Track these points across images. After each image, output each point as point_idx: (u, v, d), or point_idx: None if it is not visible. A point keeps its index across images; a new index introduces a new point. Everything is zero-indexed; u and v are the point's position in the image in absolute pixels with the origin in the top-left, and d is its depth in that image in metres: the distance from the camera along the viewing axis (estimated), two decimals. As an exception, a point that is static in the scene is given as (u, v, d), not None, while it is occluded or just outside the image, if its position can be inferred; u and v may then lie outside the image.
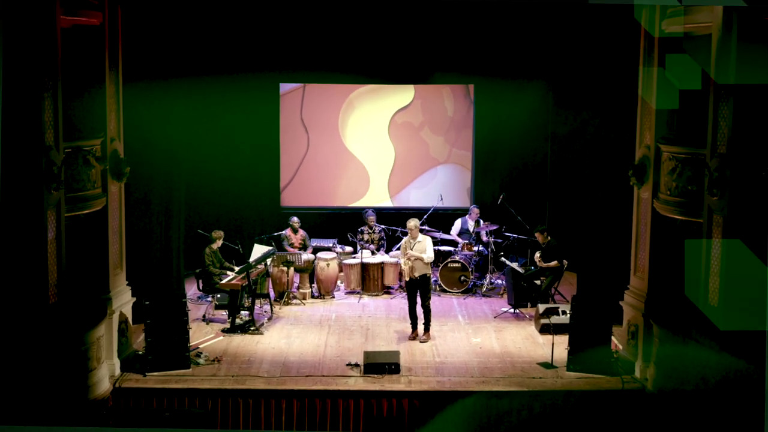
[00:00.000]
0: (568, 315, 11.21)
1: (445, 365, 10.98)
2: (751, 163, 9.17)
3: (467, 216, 14.68)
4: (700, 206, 9.72)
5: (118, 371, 10.61)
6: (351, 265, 14.12)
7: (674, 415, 9.72)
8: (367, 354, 10.80)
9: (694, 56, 9.95)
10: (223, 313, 12.75)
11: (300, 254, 13.63)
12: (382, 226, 14.63)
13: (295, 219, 14.13)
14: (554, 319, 11.74)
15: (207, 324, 12.54)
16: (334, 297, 14.00)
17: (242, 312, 12.46)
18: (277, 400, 10.15)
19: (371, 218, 14.56)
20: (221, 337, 11.95)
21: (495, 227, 14.28)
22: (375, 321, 12.79)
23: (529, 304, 13.15)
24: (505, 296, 13.79)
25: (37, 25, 9.06)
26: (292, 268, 13.62)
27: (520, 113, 15.12)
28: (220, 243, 13.05)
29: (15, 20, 8.89)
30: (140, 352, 10.92)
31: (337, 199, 15.99)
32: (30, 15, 8.99)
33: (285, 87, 15.65)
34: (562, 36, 12.82)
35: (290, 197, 15.91)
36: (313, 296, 13.99)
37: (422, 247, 11.74)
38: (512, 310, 13.13)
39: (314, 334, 12.16)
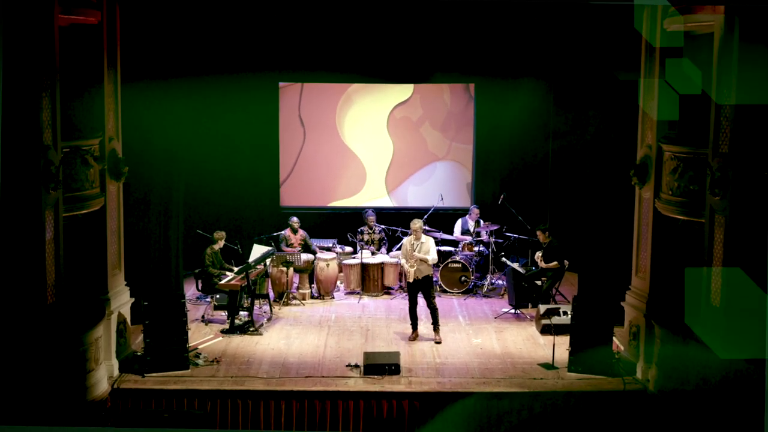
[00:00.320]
0: (569, 315, 11.18)
1: (445, 366, 10.94)
2: (754, 163, 9.12)
3: (467, 216, 14.64)
4: (702, 206, 9.69)
5: (116, 372, 10.58)
6: (351, 266, 14.07)
7: (675, 416, 9.69)
8: (367, 355, 10.76)
9: (696, 55, 9.92)
10: (222, 314, 12.71)
11: (299, 254, 13.59)
12: (382, 227, 14.60)
13: (295, 219, 14.08)
14: (555, 320, 11.72)
15: (206, 325, 12.51)
16: (333, 297, 13.96)
17: (241, 313, 12.43)
18: (277, 401, 10.12)
19: (371, 218, 14.52)
20: (220, 338, 11.91)
21: (496, 227, 14.24)
22: (375, 322, 12.75)
23: (530, 305, 13.12)
24: (506, 297, 13.76)
25: (34, 23, 9.02)
26: (291, 269, 13.58)
27: (521, 113, 15.09)
28: (221, 244, 13.01)
29: (12, 19, 8.85)
30: (139, 353, 10.90)
31: (334, 195, 15.94)
32: (28, 13, 8.95)
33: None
34: (563, 36, 12.79)
35: (289, 196, 15.87)
36: (312, 297, 13.95)
37: (426, 248, 11.69)
38: (513, 311, 13.10)
39: (314, 334, 12.12)
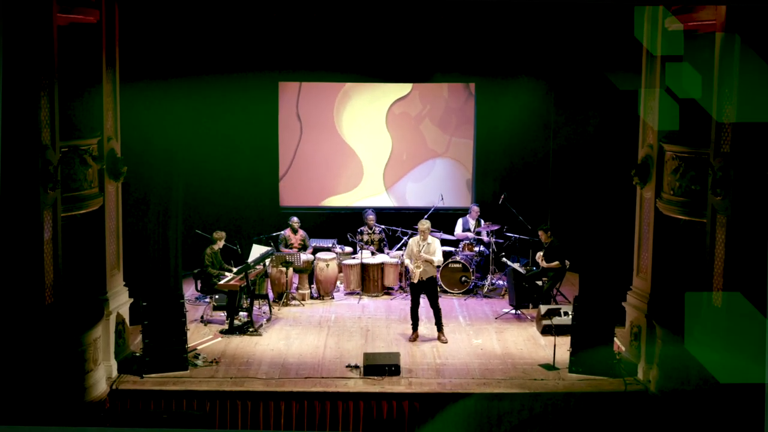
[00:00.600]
0: (570, 316, 11.15)
1: (445, 367, 10.91)
2: (755, 163, 9.09)
3: (468, 215, 14.61)
4: (704, 206, 9.65)
5: (115, 373, 10.55)
6: (351, 266, 14.04)
7: (676, 417, 9.66)
8: (366, 355, 10.73)
9: (697, 55, 9.88)
10: (222, 314, 12.67)
11: (299, 255, 13.55)
12: (382, 227, 14.56)
13: (295, 219, 14.05)
14: (556, 320, 11.69)
15: (205, 325, 12.47)
16: (333, 298, 13.92)
17: (241, 313, 12.40)
18: (276, 401, 10.09)
19: (371, 218, 14.48)
20: (219, 339, 11.88)
21: (496, 227, 14.21)
22: (375, 322, 12.71)
23: (530, 305, 13.08)
24: (507, 297, 13.73)
25: (33, 23, 8.98)
26: (291, 269, 13.54)
27: (521, 113, 15.05)
28: (221, 244, 12.98)
29: (11, 18, 8.82)
30: (137, 354, 10.87)
31: (331, 191, 15.88)
32: (26, 13, 8.92)
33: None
34: (563, 35, 12.76)
35: (288, 194, 15.82)
36: (312, 297, 13.91)
37: (432, 249, 11.66)
38: (513, 311, 13.06)
39: (313, 335, 12.08)
